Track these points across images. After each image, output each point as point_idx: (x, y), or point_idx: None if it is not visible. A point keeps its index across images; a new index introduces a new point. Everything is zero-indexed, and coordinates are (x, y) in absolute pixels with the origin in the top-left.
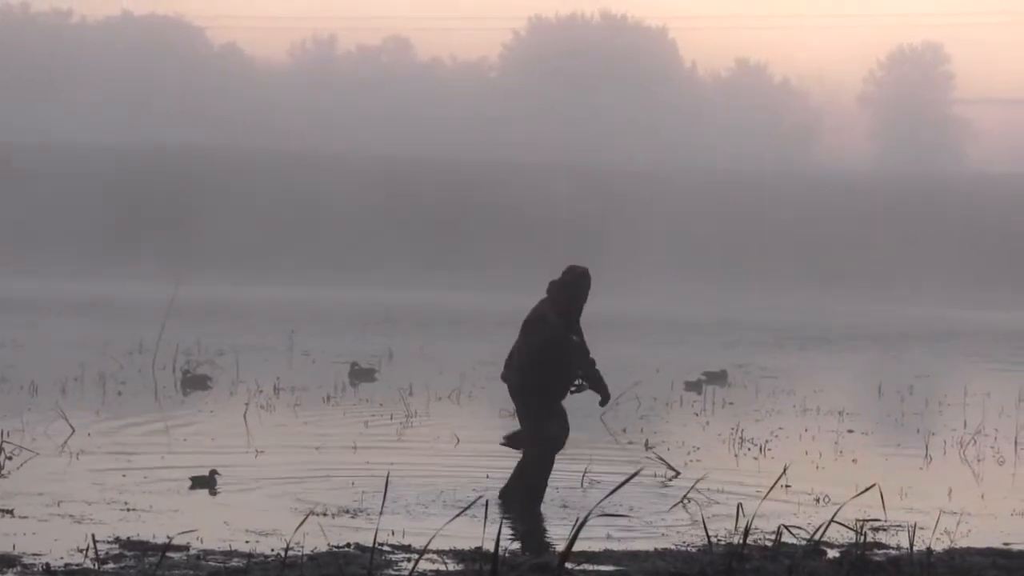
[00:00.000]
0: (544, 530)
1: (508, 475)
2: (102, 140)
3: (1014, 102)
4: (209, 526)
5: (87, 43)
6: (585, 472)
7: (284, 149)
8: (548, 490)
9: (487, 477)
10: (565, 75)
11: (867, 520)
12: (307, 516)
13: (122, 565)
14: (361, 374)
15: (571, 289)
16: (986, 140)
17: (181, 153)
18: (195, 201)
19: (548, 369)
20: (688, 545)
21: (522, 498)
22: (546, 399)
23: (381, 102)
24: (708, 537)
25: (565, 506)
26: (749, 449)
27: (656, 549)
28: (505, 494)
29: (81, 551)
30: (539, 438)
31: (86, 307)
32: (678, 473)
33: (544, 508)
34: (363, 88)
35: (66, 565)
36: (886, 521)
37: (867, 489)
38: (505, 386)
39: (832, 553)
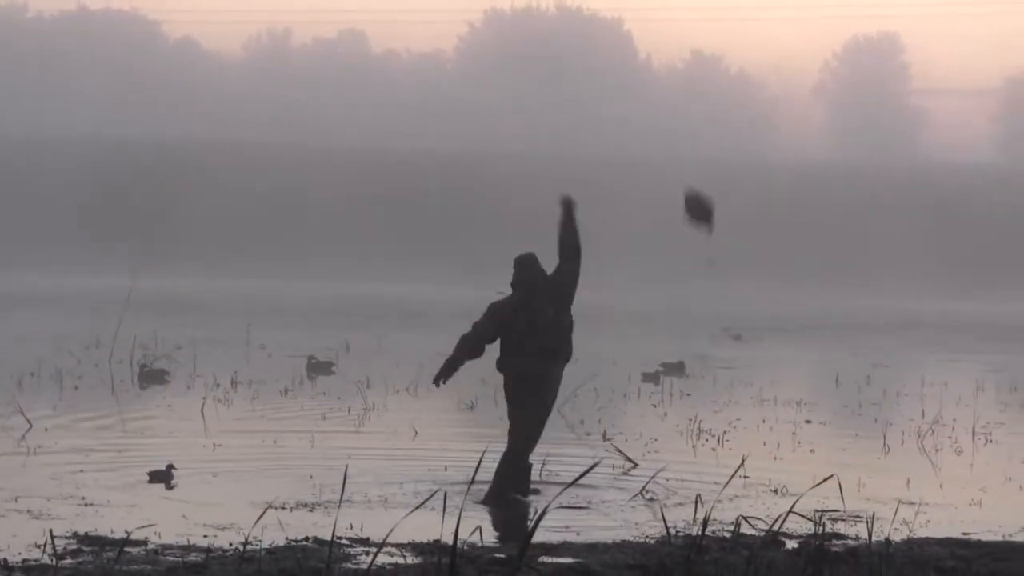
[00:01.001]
0: (503, 522)
1: (468, 468)
2: (58, 134)
3: (970, 92)
4: (167, 520)
5: (43, 37)
6: (543, 464)
7: (240, 142)
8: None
9: (445, 469)
10: (520, 67)
11: (825, 511)
12: (265, 510)
13: (80, 560)
14: (318, 367)
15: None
16: (943, 130)
17: (138, 146)
18: (153, 194)
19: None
20: (647, 537)
21: (499, 480)
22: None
23: (337, 94)
24: (667, 529)
25: (524, 498)
26: (707, 440)
27: (615, 541)
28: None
29: (39, 547)
30: (540, 420)
31: (45, 301)
32: (636, 465)
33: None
34: (319, 80)
35: (24, 561)
36: (844, 512)
37: (825, 480)
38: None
39: (791, 544)
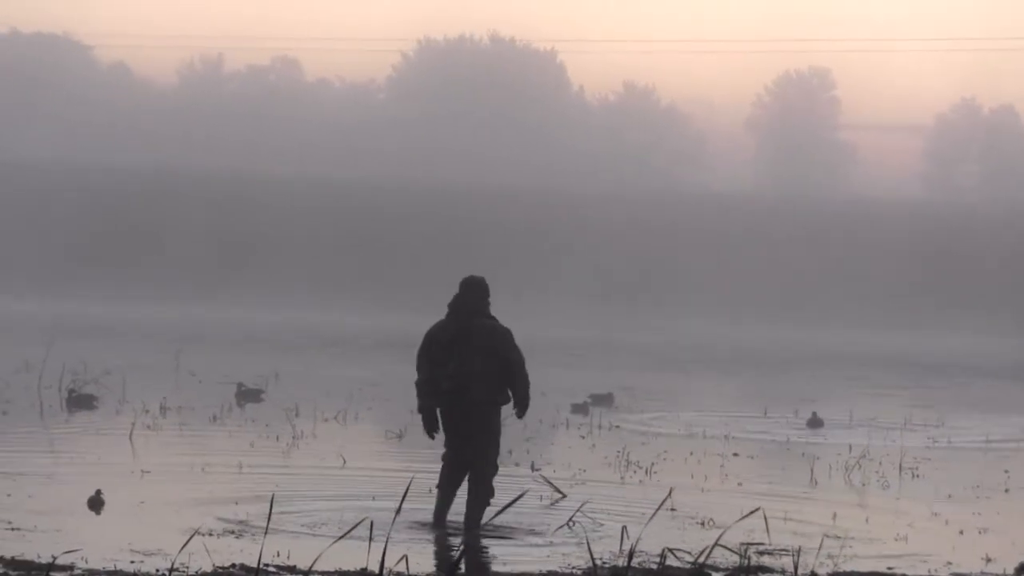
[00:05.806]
0: (429, 551)
1: (396, 496)
2: None
3: (900, 128)
4: (94, 545)
5: None
6: None
7: (172, 168)
8: (435, 512)
9: (373, 498)
10: (454, 97)
11: (751, 543)
12: (192, 536)
13: None
14: (248, 395)
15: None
16: (872, 165)
17: (67, 172)
18: (82, 220)
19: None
20: (573, 568)
21: (477, 514)
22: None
23: (269, 122)
24: (592, 560)
25: (450, 527)
26: (635, 472)
27: (541, 572)
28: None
29: None
30: (494, 455)
31: None
32: (564, 495)
33: (429, 529)
34: (251, 107)
35: None
36: (770, 545)
37: (751, 513)
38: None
39: None
